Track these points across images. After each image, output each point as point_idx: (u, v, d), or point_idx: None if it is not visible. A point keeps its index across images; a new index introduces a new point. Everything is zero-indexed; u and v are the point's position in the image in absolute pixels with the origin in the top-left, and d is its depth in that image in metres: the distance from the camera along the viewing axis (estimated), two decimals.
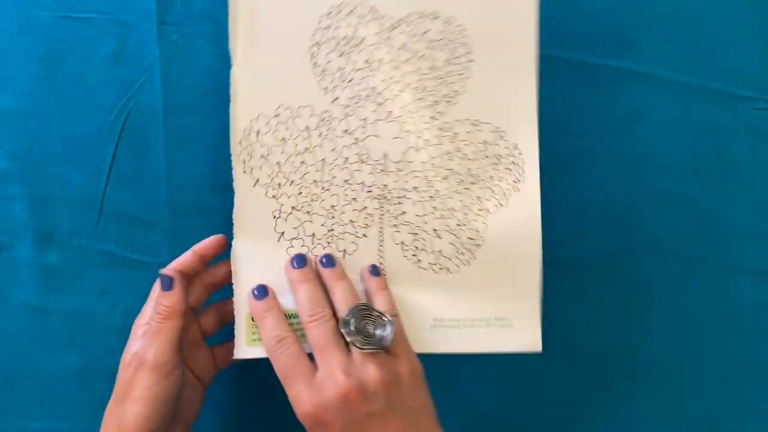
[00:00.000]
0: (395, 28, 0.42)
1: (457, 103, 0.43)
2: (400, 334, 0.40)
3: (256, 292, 0.41)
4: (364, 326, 0.38)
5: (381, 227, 0.43)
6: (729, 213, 0.50)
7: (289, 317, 0.41)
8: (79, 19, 0.51)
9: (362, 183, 0.42)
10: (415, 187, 0.43)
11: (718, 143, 0.50)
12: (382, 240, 0.43)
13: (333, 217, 0.42)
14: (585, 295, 0.48)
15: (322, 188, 0.42)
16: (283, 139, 0.42)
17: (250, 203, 0.42)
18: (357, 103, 0.42)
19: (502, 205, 0.43)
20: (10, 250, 0.49)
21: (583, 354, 0.49)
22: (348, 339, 0.38)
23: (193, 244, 0.49)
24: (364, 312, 0.39)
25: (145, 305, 0.42)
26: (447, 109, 0.43)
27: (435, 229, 0.43)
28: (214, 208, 0.50)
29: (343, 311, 0.39)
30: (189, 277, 0.43)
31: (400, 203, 0.43)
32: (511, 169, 0.43)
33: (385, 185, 0.43)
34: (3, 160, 0.50)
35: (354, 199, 0.42)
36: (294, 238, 0.42)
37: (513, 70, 0.43)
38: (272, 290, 0.42)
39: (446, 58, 0.43)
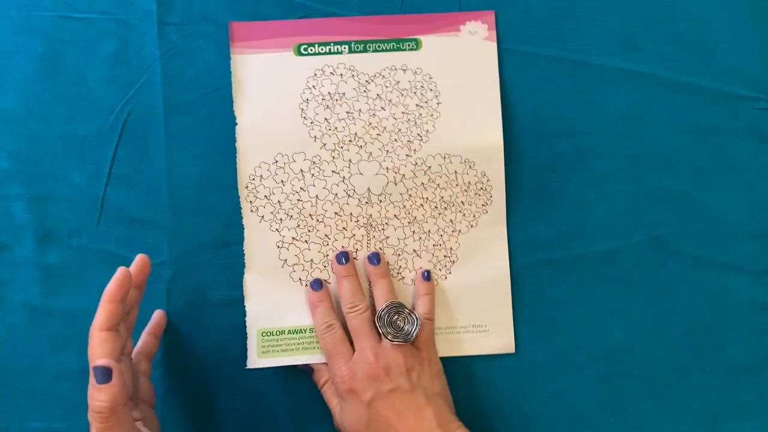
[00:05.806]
0: (370, 82, 0.50)
1: (429, 140, 0.49)
2: (428, 334, 0.47)
3: (313, 285, 0.48)
4: (395, 321, 0.46)
5: (368, 251, 0.49)
6: (728, 213, 0.50)
7: (297, 332, 0.48)
8: (79, 19, 0.51)
9: (350, 214, 0.49)
10: (396, 215, 0.49)
11: (718, 143, 0.50)
12: None
13: (327, 244, 0.49)
14: (584, 295, 0.48)
15: (317, 220, 0.49)
16: (282, 181, 0.49)
17: (257, 237, 0.49)
18: (342, 147, 0.49)
19: (472, 226, 0.50)
20: (10, 250, 0.49)
21: (583, 353, 0.49)
22: (380, 330, 0.45)
23: (193, 243, 0.50)
24: (397, 309, 0.46)
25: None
26: (420, 146, 0.49)
27: (414, 250, 0.49)
28: (214, 208, 0.50)
29: (379, 306, 0.46)
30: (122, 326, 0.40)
31: (383, 229, 0.49)
32: (479, 194, 0.49)
33: (370, 215, 0.49)
34: (3, 160, 0.50)
35: (344, 228, 0.49)
36: (295, 264, 0.49)
37: (479, 107, 0.50)
38: (326, 284, 0.48)
39: (417, 103, 0.50)
